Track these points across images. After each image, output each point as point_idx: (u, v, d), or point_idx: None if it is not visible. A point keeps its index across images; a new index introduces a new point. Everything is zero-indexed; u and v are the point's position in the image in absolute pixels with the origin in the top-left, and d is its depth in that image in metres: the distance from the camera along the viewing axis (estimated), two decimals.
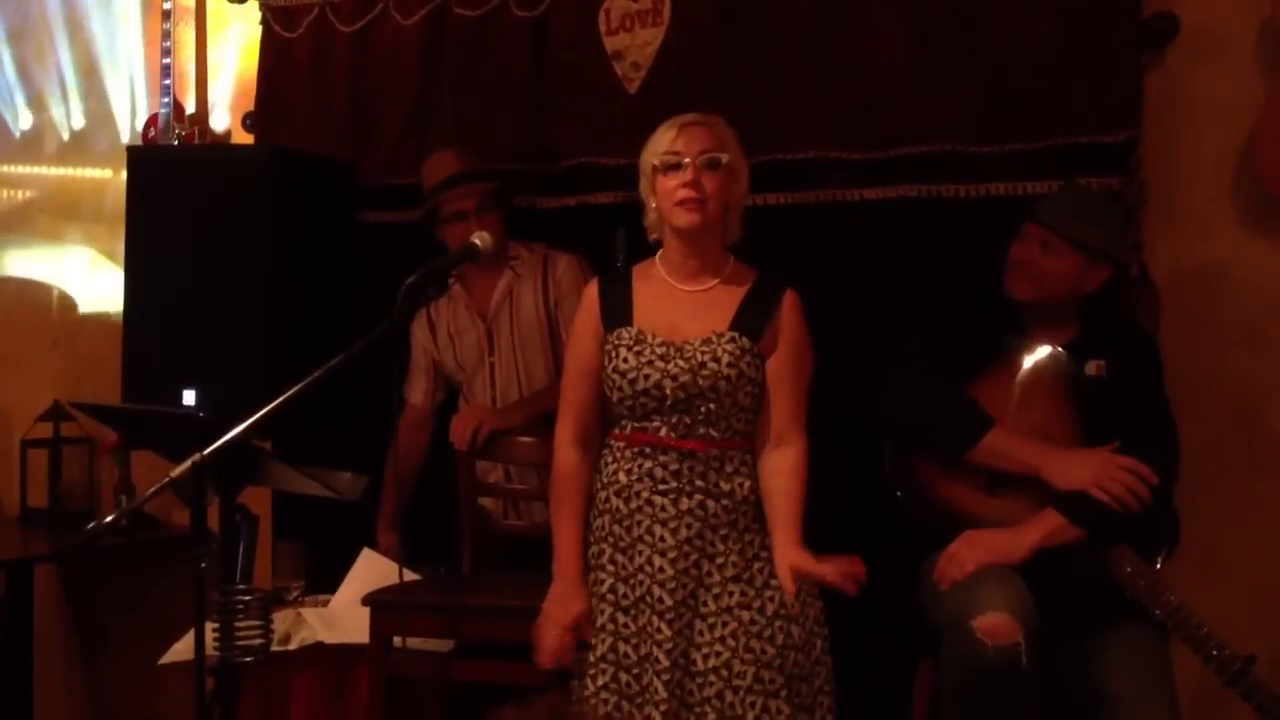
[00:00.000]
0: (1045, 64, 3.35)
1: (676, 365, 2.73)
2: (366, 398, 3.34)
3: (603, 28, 3.79)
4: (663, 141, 2.79)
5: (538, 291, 3.64)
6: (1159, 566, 2.85)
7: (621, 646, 2.75)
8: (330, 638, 3.30)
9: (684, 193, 2.73)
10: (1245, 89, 3.30)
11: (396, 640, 3.12)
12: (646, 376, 2.75)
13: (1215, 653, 2.76)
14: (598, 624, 2.77)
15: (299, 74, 4.15)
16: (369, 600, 3.14)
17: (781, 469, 2.77)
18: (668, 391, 2.73)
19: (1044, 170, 3.34)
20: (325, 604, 3.48)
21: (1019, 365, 3.01)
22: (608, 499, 2.82)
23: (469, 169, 3.63)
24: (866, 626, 3.29)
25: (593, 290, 2.92)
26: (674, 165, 2.75)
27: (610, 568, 2.80)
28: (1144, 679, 2.79)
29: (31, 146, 4.86)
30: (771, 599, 2.70)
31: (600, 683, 2.74)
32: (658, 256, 2.89)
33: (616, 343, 2.81)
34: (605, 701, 2.74)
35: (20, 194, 4.92)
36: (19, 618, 4.09)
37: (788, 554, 2.67)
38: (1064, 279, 2.97)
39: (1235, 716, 3.03)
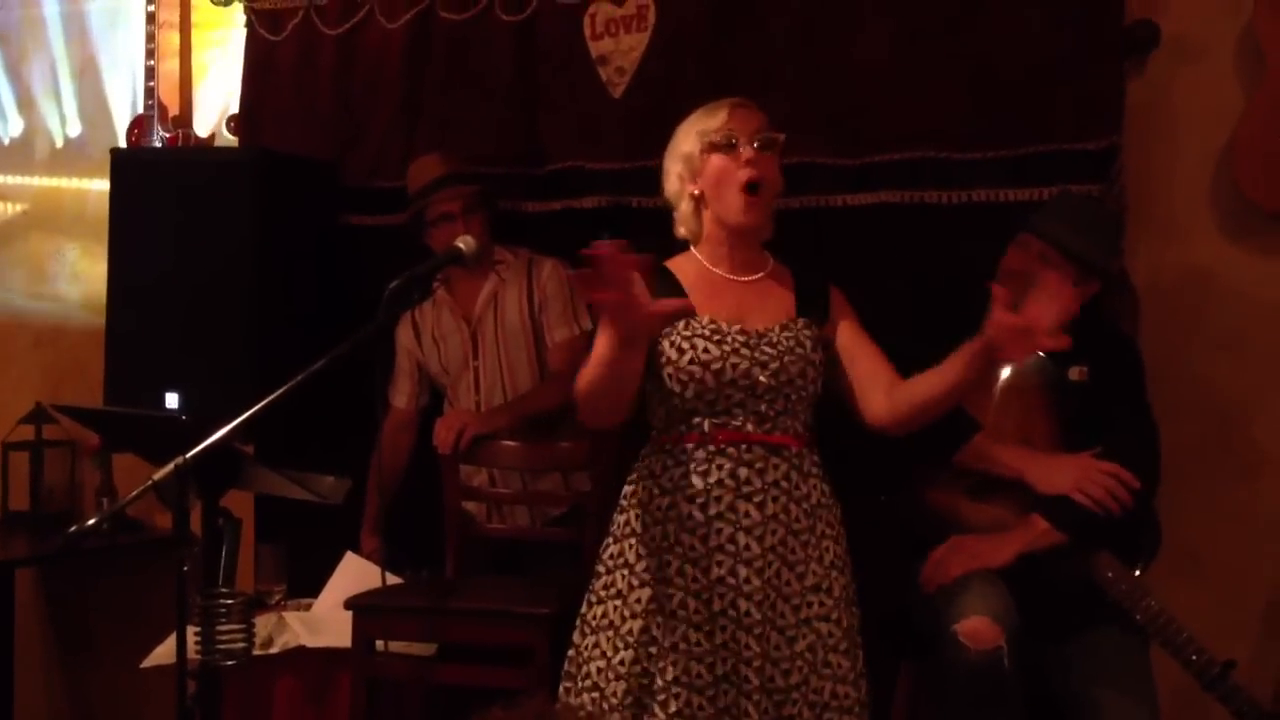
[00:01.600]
0: (1028, 71, 3.36)
1: (763, 353, 2.57)
2: (350, 401, 3.34)
3: (588, 32, 3.80)
4: (712, 121, 2.62)
5: (522, 296, 3.64)
6: (1140, 571, 2.86)
7: (695, 667, 2.52)
8: (313, 641, 3.30)
9: (746, 172, 2.57)
10: (1225, 96, 3.32)
11: (379, 644, 3.12)
12: (735, 365, 2.55)
13: (1195, 658, 2.78)
14: (667, 644, 2.53)
15: (284, 77, 4.14)
16: (351, 604, 3.14)
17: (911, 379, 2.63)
18: (760, 379, 2.56)
19: (1026, 177, 3.35)
20: (308, 608, 3.47)
21: (1001, 371, 3.02)
22: (674, 505, 2.57)
23: (454, 171, 3.63)
24: None
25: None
26: (728, 144, 2.59)
27: (679, 580, 2.55)
28: (1124, 683, 2.80)
29: (20, 152, 4.84)
30: (848, 610, 2.60)
31: (672, 709, 2.50)
32: (694, 249, 2.72)
33: (689, 334, 2.58)
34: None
35: (8, 206, 4.89)
36: (0, 620, 4.08)
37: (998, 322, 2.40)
38: None
39: None
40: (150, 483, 2.41)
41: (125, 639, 4.00)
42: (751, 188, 2.59)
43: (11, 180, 4.85)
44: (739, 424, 2.57)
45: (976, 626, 2.66)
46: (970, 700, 2.66)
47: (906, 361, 3.02)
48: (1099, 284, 3.02)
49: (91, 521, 2.60)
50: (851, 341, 2.71)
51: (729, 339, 2.58)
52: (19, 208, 4.85)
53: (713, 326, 2.60)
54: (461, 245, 3.05)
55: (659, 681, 2.53)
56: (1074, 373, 3.00)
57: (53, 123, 4.77)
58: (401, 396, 3.77)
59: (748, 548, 2.54)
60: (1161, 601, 2.81)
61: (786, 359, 2.58)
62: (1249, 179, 3.26)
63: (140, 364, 3.78)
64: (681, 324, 2.58)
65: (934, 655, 2.76)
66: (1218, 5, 3.34)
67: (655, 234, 3.19)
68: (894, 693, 3.06)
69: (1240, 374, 3.35)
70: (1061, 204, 3.10)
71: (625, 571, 2.62)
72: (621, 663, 2.57)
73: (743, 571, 2.53)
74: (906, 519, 3.01)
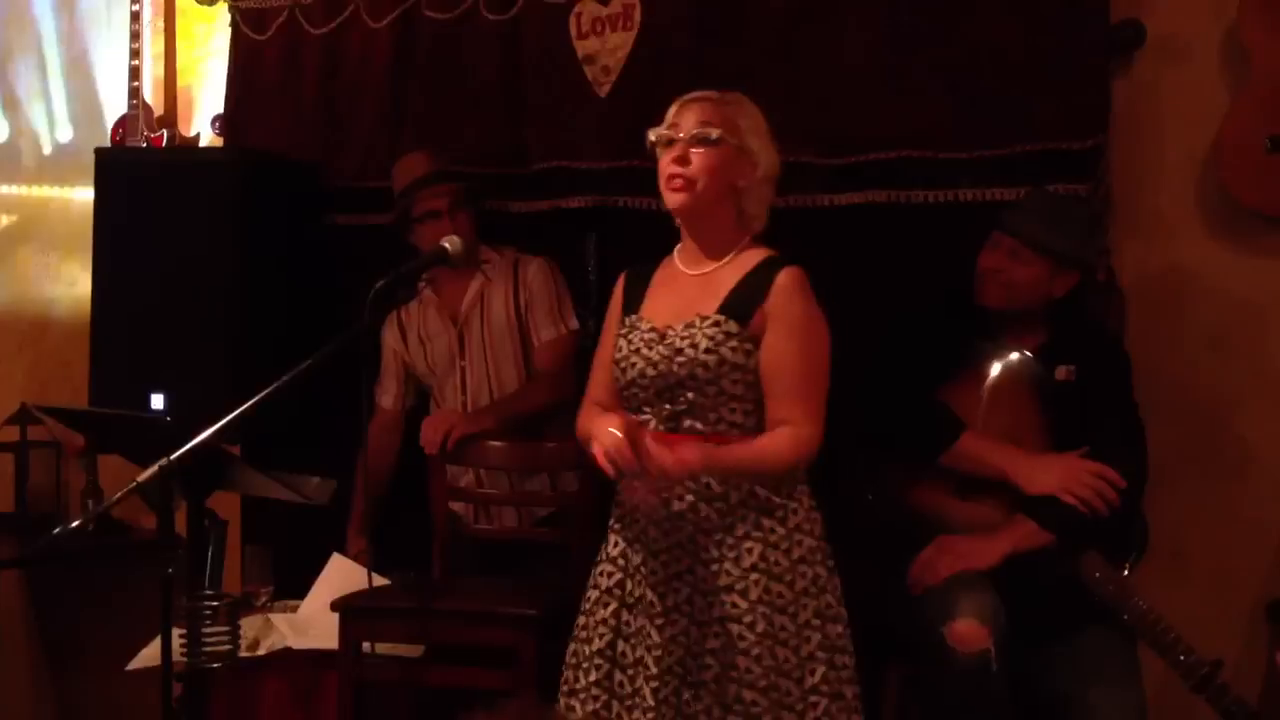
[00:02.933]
0: (1013, 70, 3.36)
1: (657, 352, 2.58)
2: (336, 402, 3.33)
3: (573, 32, 3.79)
4: (666, 118, 2.66)
5: (508, 295, 3.63)
6: (1127, 571, 2.86)
7: (620, 644, 2.63)
8: (299, 643, 3.29)
9: (670, 169, 2.58)
10: (1211, 96, 3.33)
11: (366, 645, 3.11)
12: (633, 365, 2.61)
13: (1182, 657, 2.78)
14: (599, 617, 2.65)
15: (269, 76, 4.13)
16: (338, 605, 3.13)
17: (767, 433, 2.54)
18: (648, 380, 2.58)
19: (1012, 176, 3.35)
20: (294, 609, 3.46)
21: (989, 370, 3.03)
22: (619, 493, 2.68)
23: (439, 169, 3.63)
24: None
25: (620, 280, 2.79)
26: (667, 141, 2.62)
27: (621, 561, 2.67)
28: (1111, 683, 2.81)
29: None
30: (763, 615, 2.52)
31: (592, 678, 2.63)
32: None
33: (620, 331, 2.69)
34: (595, 698, 2.63)
35: None
36: None
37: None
38: (1032, 286, 2.99)
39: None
40: (135, 484, 2.40)
41: (111, 641, 3.97)
42: (671, 180, 2.60)
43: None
44: (645, 421, 2.59)
45: (964, 628, 2.66)
46: (958, 702, 2.67)
47: (894, 361, 3.04)
48: (1077, 275, 3.03)
49: (76, 523, 2.60)
50: (769, 352, 2.56)
51: (638, 337, 2.63)
52: (7, 218, 4.84)
53: (634, 323, 2.67)
54: (447, 245, 3.04)
55: (586, 649, 2.66)
56: (1061, 372, 3.01)
57: (40, 126, 4.74)
58: (388, 397, 3.77)
59: (656, 540, 2.59)
60: (1149, 601, 2.81)
61: (676, 359, 2.56)
62: (1234, 178, 3.27)
63: (125, 365, 3.77)
64: (622, 322, 2.70)
65: (920, 656, 2.76)
66: (1203, 5, 3.35)
67: (641, 234, 3.20)
68: (882, 695, 3.05)
69: (1227, 373, 3.36)
70: (1030, 201, 3.11)
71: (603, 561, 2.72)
72: (599, 650, 2.65)
73: (651, 563, 2.59)
74: (892, 519, 3.01)
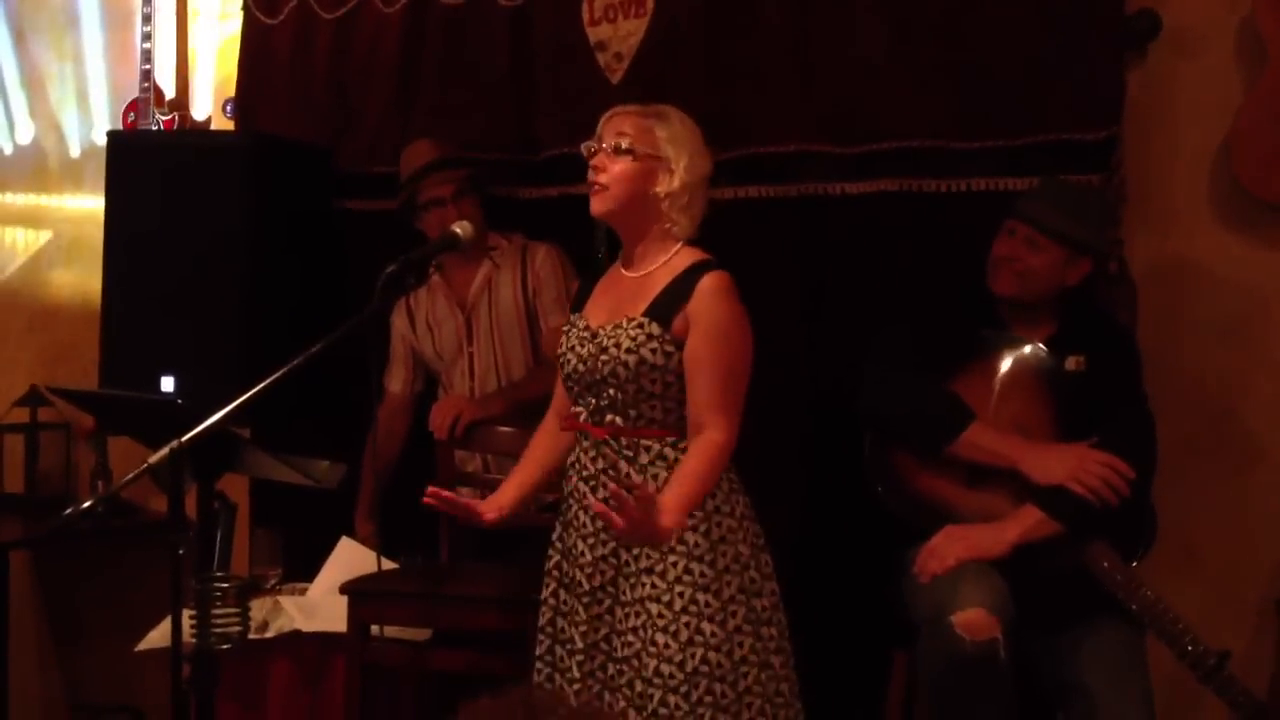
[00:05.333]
0: (1027, 61, 3.35)
1: (587, 350, 2.73)
2: (346, 386, 3.33)
3: (586, 18, 3.78)
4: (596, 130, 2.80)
5: (516, 281, 3.64)
6: (1135, 562, 2.86)
7: (559, 621, 2.81)
8: (308, 626, 3.30)
9: (589, 175, 2.74)
10: (1225, 87, 3.32)
11: (374, 629, 3.12)
12: (568, 361, 2.78)
13: (1190, 648, 2.78)
14: (542, 596, 2.85)
15: (280, 61, 4.12)
16: (346, 589, 3.14)
17: (691, 451, 2.64)
18: (579, 375, 2.74)
19: (1024, 166, 3.33)
20: (303, 592, 3.47)
21: (999, 360, 3.02)
22: (564, 482, 2.87)
23: (444, 156, 3.63)
24: (842, 620, 3.32)
25: (575, 280, 2.94)
26: (592, 151, 2.76)
27: (559, 545, 2.85)
28: (1118, 673, 2.81)
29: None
30: (681, 594, 2.64)
31: (538, 652, 2.83)
32: None
33: (565, 328, 2.86)
34: (539, 671, 2.82)
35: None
36: None
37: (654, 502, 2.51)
38: (1048, 274, 2.99)
39: (1209, 711, 3.05)
40: (146, 466, 2.40)
41: (120, 622, 3.99)
42: (590, 186, 2.74)
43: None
44: (578, 413, 2.79)
45: (973, 617, 2.67)
46: (965, 691, 2.67)
47: (904, 350, 3.04)
48: (1091, 262, 3.03)
49: (86, 504, 2.59)
50: (688, 363, 2.66)
51: (575, 335, 2.80)
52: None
53: (574, 321, 2.83)
54: (458, 230, 3.03)
55: (538, 623, 2.85)
56: (1071, 362, 3.01)
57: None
58: (396, 382, 3.77)
59: (585, 525, 2.77)
60: (1157, 591, 2.81)
61: (600, 358, 2.70)
62: (1248, 171, 3.26)
63: (136, 347, 3.77)
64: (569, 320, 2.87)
65: (928, 645, 2.76)
66: None
67: None
68: (889, 683, 3.06)
69: (1238, 366, 3.35)
70: (1044, 189, 3.10)
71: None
72: (542, 626, 2.85)
73: (580, 545, 2.78)
74: (899, 508, 3.01)
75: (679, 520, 2.57)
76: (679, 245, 2.76)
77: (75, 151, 4.76)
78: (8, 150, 4.86)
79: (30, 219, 4.88)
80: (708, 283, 2.67)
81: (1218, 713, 2.96)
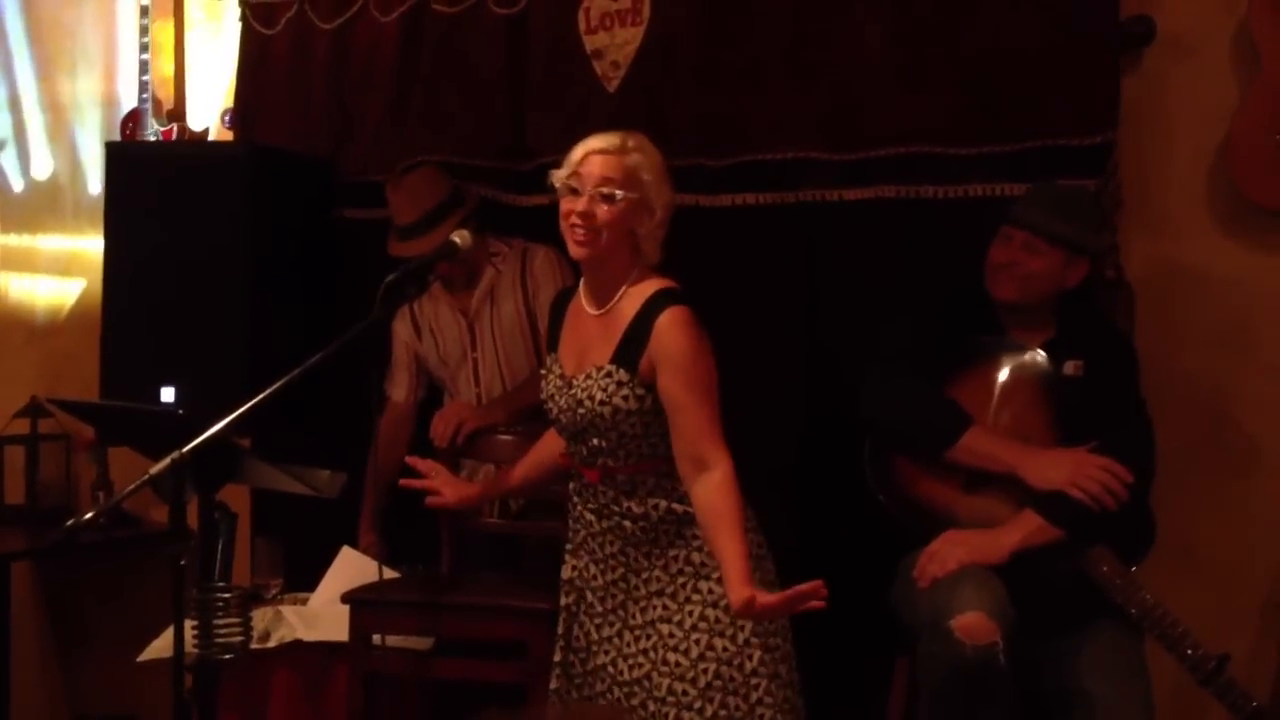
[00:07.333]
0: (1023, 66, 3.35)
1: (566, 400, 2.74)
2: (347, 395, 3.33)
3: (582, 26, 3.78)
4: (570, 162, 2.71)
5: (517, 286, 3.64)
6: (1135, 566, 2.86)
7: (575, 629, 2.84)
8: (309, 635, 3.30)
9: (574, 220, 2.66)
10: (1221, 92, 3.32)
11: (376, 638, 3.12)
12: (550, 410, 2.80)
13: (1190, 652, 2.79)
14: (562, 604, 2.87)
15: (278, 71, 4.13)
16: (348, 598, 3.14)
17: (711, 499, 2.61)
18: (564, 424, 2.77)
19: (1021, 172, 3.34)
20: (304, 602, 3.47)
21: (997, 365, 3.03)
22: (569, 506, 2.90)
23: (454, 192, 3.64)
24: (842, 626, 3.32)
25: (551, 304, 2.95)
26: (572, 190, 2.68)
27: (573, 561, 2.87)
28: (1119, 678, 2.81)
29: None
30: (691, 613, 2.68)
31: (556, 659, 2.85)
32: None
33: (544, 367, 2.86)
34: (557, 677, 2.84)
35: None
36: None
37: (743, 595, 2.49)
38: (1047, 277, 3.00)
39: (1209, 716, 3.05)
40: (147, 477, 2.41)
41: (121, 633, 3.99)
42: (573, 230, 2.68)
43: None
44: (573, 453, 2.81)
45: (973, 622, 2.66)
46: (965, 696, 2.67)
47: (902, 355, 3.05)
48: (1088, 263, 3.05)
49: (88, 516, 2.59)
50: (667, 404, 2.66)
51: (552, 382, 2.80)
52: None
53: (551, 364, 2.84)
54: (457, 239, 3.05)
55: (581, 643, 2.85)
56: (1069, 367, 3.01)
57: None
58: (399, 390, 3.78)
59: (594, 550, 2.81)
60: (1156, 595, 2.81)
61: (578, 410, 2.71)
62: (1244, 175, 3.27)
63: (136, 358, 3.77)
64: (548, 359, 2.86)
65: (926, 649, 2.76)
66: (1214, 1, 3.34)
67: None
68: (890, 688, 3.06)
69: (1235, 370, 3.36)
70: (1037, 194, 3.11)
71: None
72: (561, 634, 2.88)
73: (593, 569, 2.81)
74: (898, 513, 3.01)
75: (750, 593, 2.50)
76: (637, 271, 2.74)
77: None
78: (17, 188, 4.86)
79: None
80: (664, 321, 2.65)
81: (1220, 717, 2.95)
